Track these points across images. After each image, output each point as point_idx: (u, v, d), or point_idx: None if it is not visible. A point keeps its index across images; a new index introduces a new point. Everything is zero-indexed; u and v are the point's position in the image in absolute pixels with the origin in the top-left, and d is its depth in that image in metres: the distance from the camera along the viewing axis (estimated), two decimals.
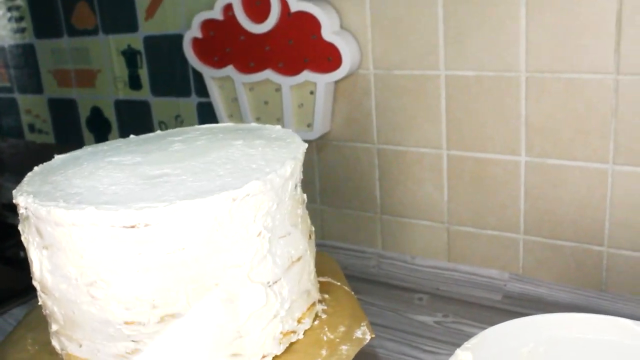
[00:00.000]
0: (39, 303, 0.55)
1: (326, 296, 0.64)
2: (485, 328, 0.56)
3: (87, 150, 0.64)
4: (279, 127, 0.65)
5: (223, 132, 0.65)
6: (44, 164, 0.61)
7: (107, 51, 1.11)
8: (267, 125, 0.66)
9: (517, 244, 0.79)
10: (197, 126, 0.69)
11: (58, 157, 0.62)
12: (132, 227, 0.46)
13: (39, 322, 0.61)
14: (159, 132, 0.69)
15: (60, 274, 0.49)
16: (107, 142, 0.67)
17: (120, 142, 0.67)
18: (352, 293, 0.65)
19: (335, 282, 0.67)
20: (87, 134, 1.22)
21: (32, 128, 1.33)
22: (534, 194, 0.76)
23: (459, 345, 0.53)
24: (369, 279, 0.86)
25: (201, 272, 0.48)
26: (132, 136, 0.68)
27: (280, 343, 0.55)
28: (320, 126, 0.86)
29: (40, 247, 0.50)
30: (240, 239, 0.49)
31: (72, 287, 0.49)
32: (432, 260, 0.86)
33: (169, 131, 0.69)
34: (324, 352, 0.56)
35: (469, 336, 0.56)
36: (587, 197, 0.73)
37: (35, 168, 0.59)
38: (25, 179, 0.56)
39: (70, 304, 0.50)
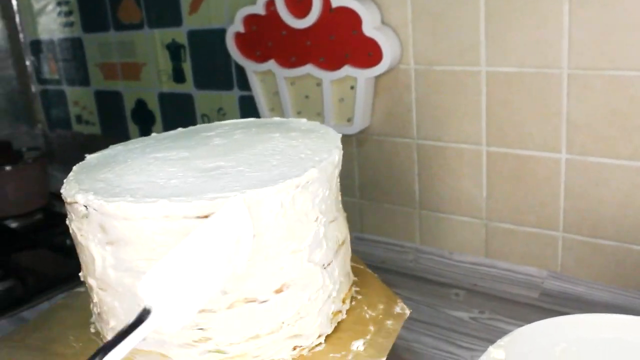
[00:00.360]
0: (95, 300, 0.56)
1: (355, 279, 0.66)
2: (521, 325, 0.56)
3: (117, 149, 0.65)
4: (304, 120, 0.67)
5: (255, 126, 0.67)
6: (80, 164, 0.61)
7: (152, 45, 1.13)
8: (292, 119, 0.68)
9: (556, 241, 0.79)
10: (219, 122, 0.71)
11: (91, 157, 0.63)
12: (205, 217, 0.47)
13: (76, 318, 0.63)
14: (180, 129, 0.70)
15: (126, 268, 0.50)
16: (133, 141, 0.67)
17: (149, 139, 0.67)
18: (376, 275, 0.67)
19: (359, 265, 0.69)
20: (132, 125, 1.24)
21: (79, 119, 1.36)
22: (575, 192, 0.75)
23: (494, 342, 0.53)
24: (406, 273, 0.86)
25: (268, 258, 0.50)
26: (154, 134, 0.69)
27: (331, 323, 0.57)
28: (360, 121, 0.87)
29: (103, 243, 0.51)
30: (301, 225, 0.51)
31: (139, 280, 0.50)
32: (470, 256, 0.86)
33: (194, 128, 0.70)
34: (371, 327, 0.58)
35: (504, 333, 0.56)
36: (629, 196, 0.72)
37: (74, 167, 0.59)
38: (70, 178, 0.56)
39: (135, 297, 0.50)
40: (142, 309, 0.39)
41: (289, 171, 0.51)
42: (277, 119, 0.70)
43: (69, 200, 0.52)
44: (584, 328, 0.55)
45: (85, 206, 0.50)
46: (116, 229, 0.49)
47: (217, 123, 0.71)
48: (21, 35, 1.41)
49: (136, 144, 0.66)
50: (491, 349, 0.51)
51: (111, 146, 0.66)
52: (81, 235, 0.53)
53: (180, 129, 0.70)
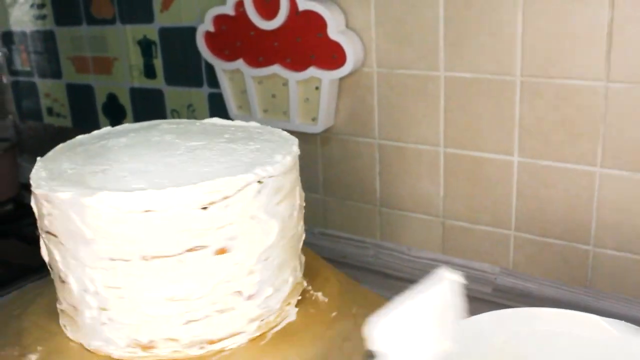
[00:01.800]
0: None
1: None
2: None
3: (67, 162, 0.63)
4: (216, 118, 0.75)
5: (176, 124, 0.74)
6: (47, 164, 0.60)
7: (124, 40, 1.15)
8: (183, 119, 0.79)
9: (508, 239, 0.83)
10: (124, 125, 0.74)
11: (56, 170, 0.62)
12: (272, 176, 0.57)
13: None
14: (93, 133, 0.72)
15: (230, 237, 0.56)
16: (68, 146, 0.68)
17: (81, 141, 0.69)
18: None
19: None
20: (102, 119, 1.26)
21: (50, 111, 1.37)
22: (525, 193, 0.79)
23: None
24: (366, 267, 0.89)
25: (290, 215, 0.61)
26: (78, 137, 0.71)
27: None
28: (325, 120, 0.90)
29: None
30: (298, 187, 0.63)
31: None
32: (428, 252, 0.89)
33: (105, 131, 0.73)
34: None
35: None
36: (575, 197, 0.76)
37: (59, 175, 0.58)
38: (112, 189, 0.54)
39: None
40: (368, 352, 0.41)
41: (281, 146, 0.63)
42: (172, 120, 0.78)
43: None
44: (526, 321, 0.58)
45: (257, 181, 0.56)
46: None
47: (120, 127, 0.74)
48: None
49: (87, 138, 0.70)
50: None
51: (55, 150, 0.67)
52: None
53: (93, 133, 0.72)
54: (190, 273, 0.55)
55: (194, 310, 0.56)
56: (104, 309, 0.56)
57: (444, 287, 0.46)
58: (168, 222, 0.53)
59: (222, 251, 0.55)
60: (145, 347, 0.56)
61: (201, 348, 0.57)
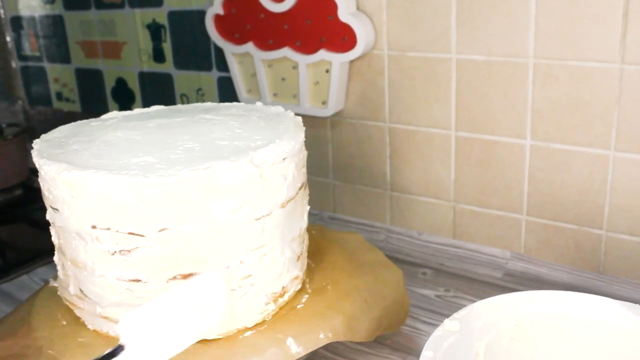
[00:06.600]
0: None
1: None
2: None
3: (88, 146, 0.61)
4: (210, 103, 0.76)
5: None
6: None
7: (132, 24, 1.14)
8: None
9: (519, 224, 0.82)
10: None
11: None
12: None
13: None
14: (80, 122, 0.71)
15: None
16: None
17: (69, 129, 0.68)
18: None
19: None
20: (112, 103, 1.26)
21: (59, 96, 1.37)
22: (538, 176, 0.78)
23: None
24: None
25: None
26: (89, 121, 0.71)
27: None
28: (335, 103, 0.89)
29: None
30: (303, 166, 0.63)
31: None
32: (438, 237, 0.89)
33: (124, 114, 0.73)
34: None
35: None
36: (588, 181, 0.75)
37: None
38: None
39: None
40: (117, 345, 0.41)
41: (288, 124, 0.63)
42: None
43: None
44: (537, 304, 0.58)
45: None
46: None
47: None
48: (1, 11, 1.41)
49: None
50: (447, 322, 0.54)
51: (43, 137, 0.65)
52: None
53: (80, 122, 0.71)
54: None
55: None
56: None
57: (198, 285, 0.47)
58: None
59: None
60: None
61: None
